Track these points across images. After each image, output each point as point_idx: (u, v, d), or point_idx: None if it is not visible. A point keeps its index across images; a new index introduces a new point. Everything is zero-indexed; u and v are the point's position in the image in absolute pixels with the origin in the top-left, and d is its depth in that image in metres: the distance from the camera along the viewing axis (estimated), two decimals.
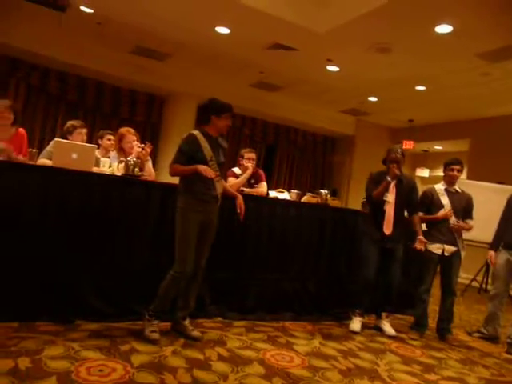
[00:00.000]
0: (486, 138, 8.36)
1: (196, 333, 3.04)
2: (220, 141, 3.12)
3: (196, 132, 3.01)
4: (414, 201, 3.93)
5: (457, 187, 4.02)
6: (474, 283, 6.73)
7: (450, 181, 3.99)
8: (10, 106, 3.52)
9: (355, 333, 3.71)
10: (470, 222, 3.95)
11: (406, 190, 3.85)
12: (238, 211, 3.24)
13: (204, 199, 2.96)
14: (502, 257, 3.99)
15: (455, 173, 3.95)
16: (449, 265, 3.89)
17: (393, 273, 3.80)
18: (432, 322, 4.12)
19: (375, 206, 3.85)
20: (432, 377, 2.91)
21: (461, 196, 3.99)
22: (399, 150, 3.78)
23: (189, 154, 2.95)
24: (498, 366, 3.36)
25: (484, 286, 6.69)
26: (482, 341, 4.01)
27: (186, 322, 3.08)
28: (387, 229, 3.75)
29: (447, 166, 4.00)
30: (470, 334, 4.14)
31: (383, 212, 3.77)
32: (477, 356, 3.54)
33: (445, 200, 3.94)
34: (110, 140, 4.47)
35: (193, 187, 2.92)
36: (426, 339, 3.83)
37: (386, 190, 3.77)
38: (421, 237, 3.83)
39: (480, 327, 4.18)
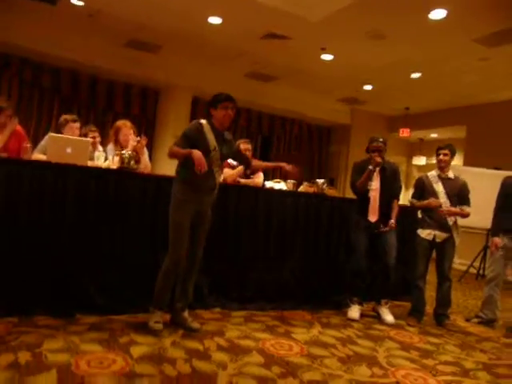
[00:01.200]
0: (482, 124, 8.35)
1: (195, 324, 3.06)
2: (226, 135, 3.12)
3: (204, 121, 3.02)
4: (396, 186, 3.96)
5: (450, 173, 4.01)
6: (471, 269, 6.77)
7: (439, 166, 4.01)
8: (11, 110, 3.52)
9: (354, 320, 3.74)
10: (467, 209, 3.92)
11: (390, 177, 3.91)
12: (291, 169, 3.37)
13: (200, 189, 2.95)
14: (501, 241, 4.01)
15: (441, 157, 3.96)
16: (442, 251, 3.91)
17: (387, 261, 3.81)
18: (429, 309, 4.14)
19: (361, 194, 3.91)
20: (430, 362, 2.94)
21: (454, 182, 3.99)
22: (380, 139, 3.88)
23: (191, 139, 2.91)
24: (495, 350, 3.38)
25: (481, 272, 6.72)
26: (480, 326, 4.04)
27: (185, 314, 3.09)
28: (373, 216, 3.82)
29: (436, 152, 4.04)
30: (468, 321, 4.15)
31: (368, 199, 3.83)
32: (474, 341, 3.57)
33: (438, 187, 3.95)
34: (93, 137, 4.37)
35: (191, 177, 2.86)
36: (423, 325, 3.86)
37: (370, 178, 3.82)
38: (392, 221, 3.83)
39: (478, 312, 4.21)
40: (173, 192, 2.96)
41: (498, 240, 4.00)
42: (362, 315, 3.87)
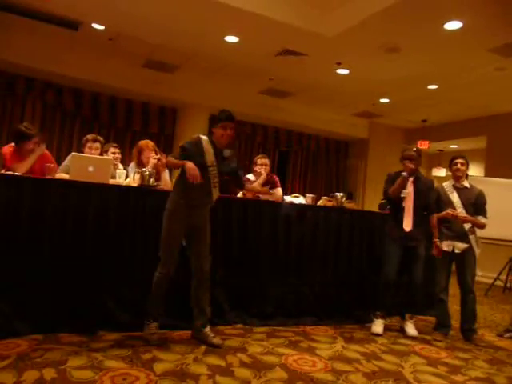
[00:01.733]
0: (502, 134, 8.21)
1: (217, 340, 3.04)
2: (224, 153, 3.07)
3: (204, 137, 3.04)
4: (431, 200, 3.89)
5: (466, 183, 3.94)
6: (498, 282, 6.59)
7: (455, 175, 3.95)
8: (38, 137, 3.62)
9: (377, 335, 3.67)
10: (482, 219, 3.81)
11: (424, 189, 3.84)
12: None
13: (194, 203, 2.97)
14: None
15: (458, 166, 3.90)
16: (462, 262, 3.82)
17: (415, 272, 3.76)
18: (455, 323, 4.03)
19: (394, 204, 3.86)
20: (459, 378, 2.85)
21: (470, 191, 3.91)
22: (414, 148, 3.87)
23: (189, 152, 2.93)
24: None
25: (509, 284, 6.53)
26: (509, 340, 3.91)
27: (207, 330, 3.07)
28: (407, 225, 3.74)
29: (451, 162, 3.99)
30: (501, 336, 4.02)
31: (402, 209, 3.77)
32: (504, 356, 3.46)
33: (454, 197, 3.87)
34: (114, 154, 4.49)
35: (186, 190, 2.91)
36: (450, 340, 3.75)
37: (403, 186, 3.77)
38: (436, 240, 3.81)
39: (508, 326, 4.09)
40: (166, 206, 3.00)
41: None
42: (386, 330, 3.79)
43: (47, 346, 2.71)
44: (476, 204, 3.86)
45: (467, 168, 3.98)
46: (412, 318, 3.88)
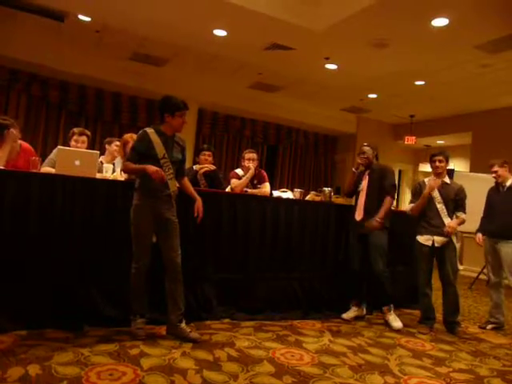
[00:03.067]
0: (487, 130, 8.32)
1: (194, 334, 3.02)
2: (177, 139, 3.11)
3: (149, 129, 3.02)
4: (385, 185, 3.95)
5: (446, 179, 3.99)
6: (482, 276, 6.69)
7: (434, 172, 4.00)
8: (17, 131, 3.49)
9: (346, 321, 3.90)
10: (461, 215, 3.89)
11: (378, 177, 3.97)
12: (196, 215, 3.15)
13: (156, 196, 2.97)
14: (487, 245, 4.16)
15: (437, 163, 3.95)
16: (442, 256, 3.87)
17: (372, 260, 3.84)
18: (439, 316, 4.08)
19: (349, 195, 4.26)
20: (443, 369, 2.90)
21: (450, 187, 3.95)
22: (365, 144, 4.10)
23: (141, 151, 2.97)
24: (509, 356, 3.33)
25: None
26: (493, 332, 3.99)
27: (183, 325, 3.02)
28: (358, 215, 3.97)
29: (430, 159, 4.03)
30: (483, 328, 4.10)
31: (356, 201, 4.05)
32: (487, 348, 3.52)
33: (434, 192, 3.90)
34: (117, 146, 4.48)
35: (146, 185, 2.94)
36: (434, 333, 3.81)
37: (357, 181, 4.08)
38: (376, 218, 3.83)
39: (489, 318, 4.17)
40: (133, 201, 3.01)
41: (479, 236, 4.26)
42: (372, 323, 3.84)
43: (32, 342, 2.69)
44: (456, 200, 3.91)
45: (446, 164, 4.02)
46: (390, 310, 3.91)
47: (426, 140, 10.17)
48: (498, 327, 4.10)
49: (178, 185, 3.10)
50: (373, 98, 8.54)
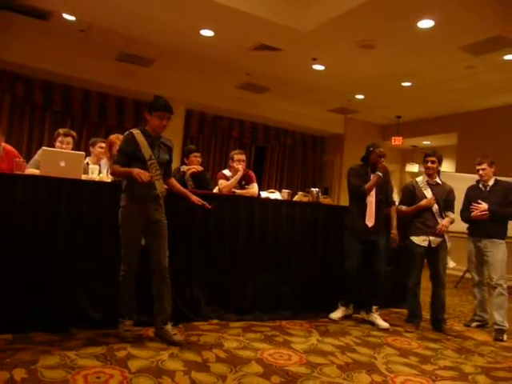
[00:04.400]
0: (472, 131, 8.43)
1: (177, 337, 2.97)
2: (163, 140, 3.08)
3: (135, 131, 2.99)
4: (389, 192, 4.01)
5: (438, 179, 4.06)
6: (467, 275, 6.77)
7: (426, 172, 4.05)
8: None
9: (334, 321, 3.90)
10: (451, 215, 3.98)
11: (384, 183, 3.95)
12: (201, 204, 3.22)
13: (144, 198, 2.94)
14: (470, 244, 4.18)
15: (429, 164, 4.00)
16: (436, 256, 3.92)
17: (378, 265, 3.87)
18: (426, 314, 4.14)
19: (357, 199, 3.96)
20: (429, 367, 2.94)
21: (441, 187, 4.03)
22: (381, 146, 4.01)
23: (128, 153, 2.94)
24: (493, 353, 3.39)
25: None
26: (477, 330, 4.05)
27: (168, 327, 3.00)
28: (370, 221, 3.86)
29: (424, 159, 4.08)
30: (468, 326, 4.16)
31: (365, 205, 3.87)
32: (472, 345, 3.58)
33: (427, 193, 3.97)
34: (101, 148, 4.44)
35: (133, 187, 2.91)
36: (421, 331, 3.85)
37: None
38: (393, 232, 3.95)
39: (473, 316, 4.24)
40: (120, 204, 2.97)
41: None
42: (360, 322, 3.87)
43: (17, 345, 2.65)
44: (447, 200, 3.99)
45: (439, 165, 4.07)
46: (378, 310, 3.96)
47: (413, 141, 10.28)
48: (483, 325, 4.16)
49: (166, 186, 3.08)
50: (360, 99, 8.60)
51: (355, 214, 3.94)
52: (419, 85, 7.32)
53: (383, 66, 6.58)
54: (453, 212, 4.00)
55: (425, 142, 10.49)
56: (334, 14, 5.04)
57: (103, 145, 4.46)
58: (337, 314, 3.99)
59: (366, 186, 3.86)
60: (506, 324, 3.86)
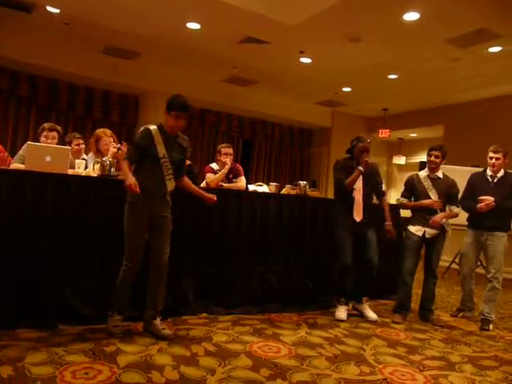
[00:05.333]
0: (458, 123, 8.52)
1: (166, 331, 2.95)
2: (179, 140, 3.05)
3: (153, 127, 2.95)
4: (379, 184, 4.01)
5: (439, 173, 4.05)
6: (454, 265, 6.88)
7: (429, 166, 4.05)
8: None
9: (341, 321, 3.75)
10: (455, 209, 3.96)
11: (370, 175, 3.92)
12: (214, 203, 3.23)
13: (152, 194, 2.92)
14: (469, 236, 4.11)
15: (432, 158, 4.00)
16: (432, 247, 3.97)
17: (369, 254, 3.84)
18: (414, 305, 4.18)
19: (344, 194, 3.89)
20: (416, 357, 2.97)
21: (443, 181, 4.02)
22: (368, 139, 3.93)
23: (142, 148, 2.90)
24: (479, 343, 3.44)
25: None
26: (464, 320, 4.11)
27: (156, 321, 2.99)
28: (358, 215, 3.82)
29: (428, 152, 4.06)
30: (455, 316, 4.20)
31: (352, 199, 3.83)
32: (459, 335, 3.63)
33: (428, 187, 3.96)
34: (78, 145, 4.34)
35: (142, 183, 2.84)
36: (409, 322, 3.90)
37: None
38: (388, 223, 3.90)
39: (459, 306, 4.30)
40: (126, 199, 2.93)
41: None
42: (348, 314, 3.89)
43: (3, 342, 2.61)
44: (448, 194, 3.97)
45: (442, 160, 4.04)
46: (368, 301, 3.98)
47: (400, 133, 10.37)
48: (469, 315, 4.22)
49: (174, 185, 3.04)
50: (347, 92, 8.62)
51: (342, 209, 3.89)
52: (405, 77, 7.37)
53: (370, 59, 6.60)
54: (457, 206, 3.98)
55: (411, 135, 10.57)
56: (320, 7, 5.03)
57: (79, 141, 4.37)
58: (342, 314, 3.82)
59: (347, 181, 3.79)
60: (493, 316, 3.91)
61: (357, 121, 10.49)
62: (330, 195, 9.00)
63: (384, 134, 9.44)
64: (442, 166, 4.13)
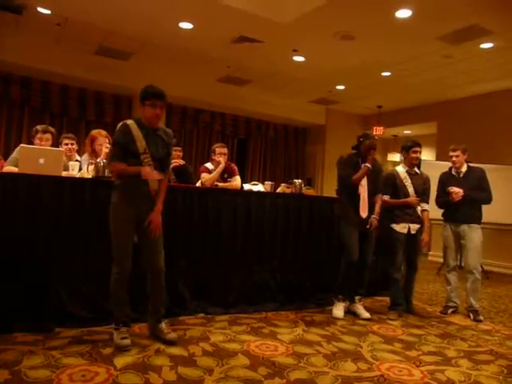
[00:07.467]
0: (452, 119, 8.57)
1: (171, 335, 2.88)
2: (161, 132, 2.88)
3: (130, 121, 2.80)
4: (379, 183, 4.01)
5: (416, 169, 4.16)
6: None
7: (412, 163, 4.10)
8: None
9: (339, 319, 3.75)
10: (425, 206, 4.08)
11: (375, 173, 3.93)
12: (146, 225, 2.84)
13: (137, 193, 2.78)
14: (447, 230, 4.23)
15: (418, 154, 4.08)
16: (414, 242, 4.03)
17: (367, 255, 3.87)
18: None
19: (349, 190, 3.86)
20: (413, 353, 2.99)
21: (419, 177, 4.13)
22: (375, 137, 3.95)
23: (123, 145, 2.74)
24: (475, 337, 3.47)
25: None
26: (459, 315, 4.14)
27: (162, 325, 2.93)
28: (363, 212, 3.82)
29: (410, 149, 4.07)
30: (445, 313, 4.17)
31: (358, 196, 3.83)
32: (454, 330, 3.65)
33: (407, 182, 4.05)
34: (67, 145, 4.32)
35: (126, 182, 2.76)
36: (404, 318, 3.92)
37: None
38: (375, 216, 3.86)
39: (447, 303, 4.27)
40: (111, 200, 2.82)
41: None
42: (345, 312, 3.89)
43: (0, 346, 2.61)
44: (424, 189, 4.09)
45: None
46: (361, 300, 3.95)
47: (394, 130, 10.40)
48: (456, 310, 4.23)
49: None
50: (341, 90, 8.64)
51: (348, 206, 3.86)
52: (398, 74, 7.39)
53: (363, 57, 6.62)
54: (427, 203, 4.10)
55: (405, 132, 10.61)
56: (313, 5, 5.04)
57: (68, 141, 4.34)
58: (339, 312, 3.82)
59: (354, 177, 3.77)
60: (478, 305, 4.09)
61: (351, 118, 10.51)
62: (326, 193, 9.05)
63: (378, 131, 9.46)
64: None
